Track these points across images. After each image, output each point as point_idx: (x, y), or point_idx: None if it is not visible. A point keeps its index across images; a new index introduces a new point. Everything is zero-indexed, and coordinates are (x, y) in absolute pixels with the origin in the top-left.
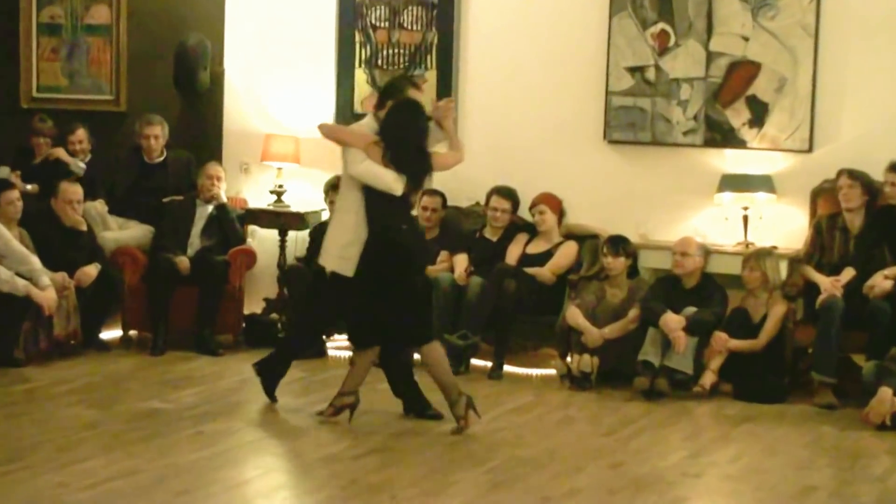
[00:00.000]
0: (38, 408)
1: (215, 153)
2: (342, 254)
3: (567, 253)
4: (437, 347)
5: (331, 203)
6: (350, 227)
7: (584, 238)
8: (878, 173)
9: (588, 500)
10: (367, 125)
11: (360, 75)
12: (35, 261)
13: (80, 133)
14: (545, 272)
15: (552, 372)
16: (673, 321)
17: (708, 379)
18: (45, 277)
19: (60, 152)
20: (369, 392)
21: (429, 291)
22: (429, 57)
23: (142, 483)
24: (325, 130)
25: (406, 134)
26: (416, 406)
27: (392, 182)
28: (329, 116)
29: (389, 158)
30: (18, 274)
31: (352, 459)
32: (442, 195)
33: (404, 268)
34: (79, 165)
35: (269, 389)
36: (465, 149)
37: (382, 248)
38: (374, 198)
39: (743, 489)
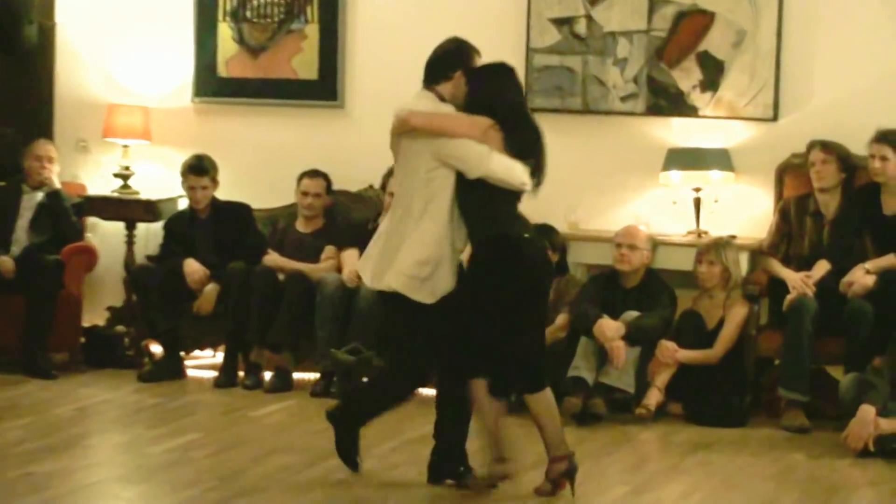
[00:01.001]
0: None
1: (45, 128)
2: (415, 272)
3: None
4: (549, 393)
5: (390, 195)
6: (429, 241)
7: None
8: (857, 146)
9: None
10: (434, 103)
11: (225, 31)
12: None
13: None
14: None
15: None
16: (610, 328)
17: (653, 398)
18: None
19: None
20: (239, 421)
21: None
22: (309, 8)
23: None
24: (418, 120)
25: (519, 108)
26: (452, 456)
27: (523, 175)
28: (186, 82)
29: (507, 144)
30: None
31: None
32: (325, 177)
33: (529, 289)
34: None
35: (348, 451)
36: None
37: (501, 263)
38: (480, 198)
39: None
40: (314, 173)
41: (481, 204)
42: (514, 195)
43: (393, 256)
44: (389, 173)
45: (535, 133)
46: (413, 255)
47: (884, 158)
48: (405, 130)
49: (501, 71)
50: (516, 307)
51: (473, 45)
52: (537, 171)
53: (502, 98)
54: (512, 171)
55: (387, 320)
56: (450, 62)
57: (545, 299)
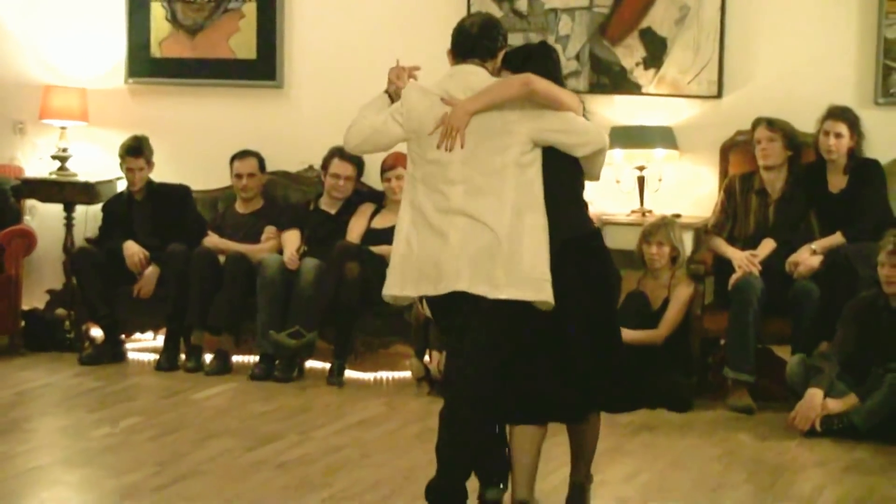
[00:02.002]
0: None
1: None
2: (544, 274)
3: None
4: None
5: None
6: (545, 238)
7: None
8: (802, 123)
9: None
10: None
11: (158, 10)
12: None
13: None
14: None
15: (407, 374)
16: None
17: None
18: None
19: None
20: (180, 404)
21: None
22: None
23: None
24: (541, 85)
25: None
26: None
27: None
28: (120, 63)
29: None
30: None
31: (156, 490)
32: (257, 156)
33: (613, 291)
34: None
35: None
36: None
37: (605, 262)
38: (562, 187)
39: None
40: (244, 154)
41: (559, 196)
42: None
43: (498, 257)
44: (333, 153)
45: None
46: (541, 255)
47: (838, 135)
48: (519, 97)
49: (551, 50)
50: (614, 311)
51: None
52: None
53: (557, 80)
54: (606, 152)
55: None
56: (498, 37)
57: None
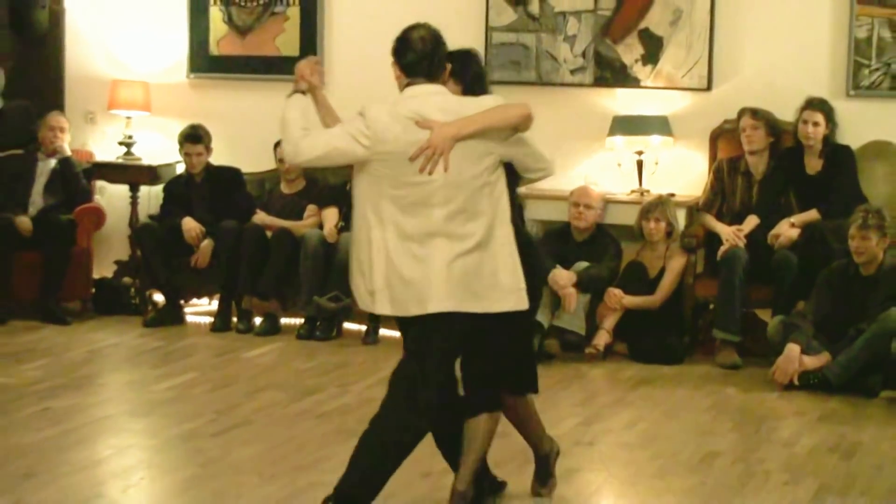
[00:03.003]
0: None
1: (57, 102)
2: (520, 283)
3: None
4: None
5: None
6: (512, 246)
7: None
8: (783, 112)
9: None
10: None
11: (216, 13)
12: None
13: None
14: None
15: None
16: (563, 277)
17: (601, 339)
18: None
19: None
20: (233, 361)
21: None
22: None
23: None
24: (473, 126)
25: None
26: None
27: None
28: (181, 60)
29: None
30: None
31: (213, 436)
32: None
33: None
34: None
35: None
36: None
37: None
38: (512, 193)
39: (640, 457)
40: None
41: (513, 204)
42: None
43: (482, 273)
44: None
45: None
46: (516, 265)
47: (816, 124)
48: (515, 126)
49: (478, 55)
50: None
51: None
52: None
53: (485, 80)
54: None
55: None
56: (444, 48)
57: None
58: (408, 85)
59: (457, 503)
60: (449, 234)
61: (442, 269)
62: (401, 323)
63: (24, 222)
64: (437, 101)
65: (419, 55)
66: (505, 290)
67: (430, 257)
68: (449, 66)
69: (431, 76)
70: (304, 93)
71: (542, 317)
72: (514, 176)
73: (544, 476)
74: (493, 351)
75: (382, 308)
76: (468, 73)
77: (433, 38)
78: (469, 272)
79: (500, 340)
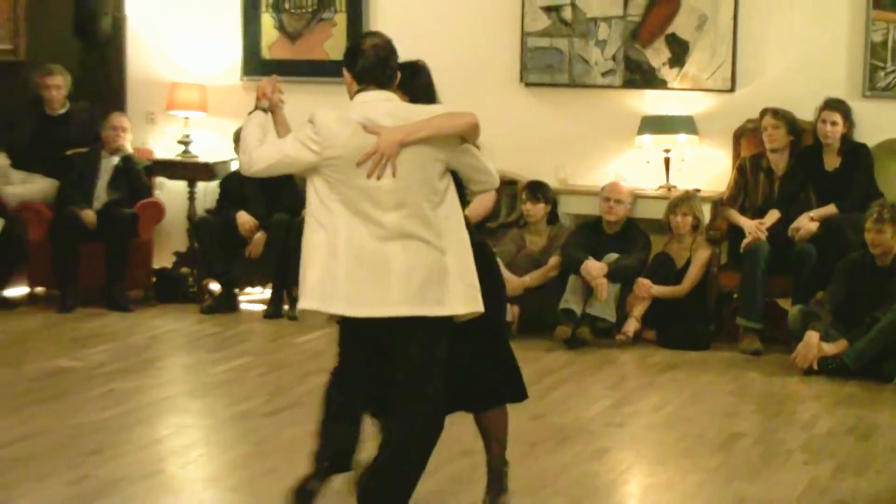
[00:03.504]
0: None
1: (119, 103)
2: (475, 286)
3: (484, 199)
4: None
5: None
6: (468, 250)
7: (501, 184)
8: (802, 112)
9: (508, 453)
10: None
11: (267, 20)
12: None
13: None
14: None
15: None
16: (594, 268)
17: (631, 326)
18: None
19: None
20: (284, 346)
21: None
22: (338, 0)
23: (51, 443)
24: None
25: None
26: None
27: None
28: (235, 63)
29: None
30: None
31: (266, 416)
32: None
33: (501, 296)
34: None
35: None
36: None
37: (487, 269)
38: (462, 200)
39: (667, 438)
40: None
41: (461, 209)
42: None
43: (440, 277)
44: None
45: None
46: (471, 269)
47: (833, 123)
48: (461, 134)
49: (426, 66)
50: (504, 312)
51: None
52: None
53: (434, 91)
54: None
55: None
56: (395, 62)
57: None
58: (358, 91)
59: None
60: (403, 238)
61: (398, 274)
62: (347, 323)
63: (89, 216)
64: (386, 107)
65: (371, 63)
66: (459, 294)
67: (386, 261)
68: (399, 75)
69: (382, 84)
70: (265, 110)
71: (575, 305)
72: (460, 186)
73: (498, 489)
74: (459, 357)
75: (335, 308)
76: (417, 83)
77: (385, 47)
78: (427, 276)
79: (463, 346)
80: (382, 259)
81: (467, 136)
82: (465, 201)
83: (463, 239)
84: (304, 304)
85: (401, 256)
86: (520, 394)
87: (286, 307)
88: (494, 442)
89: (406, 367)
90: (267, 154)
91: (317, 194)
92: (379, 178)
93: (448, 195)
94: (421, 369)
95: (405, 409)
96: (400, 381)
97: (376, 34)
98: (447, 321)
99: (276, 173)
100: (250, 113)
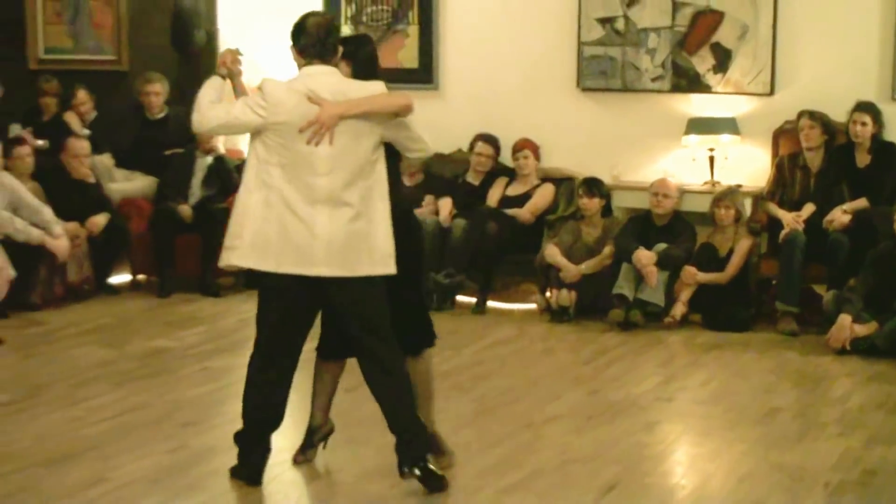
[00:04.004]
0: (53, 348)
1: None
2: (391, 250)
3: (545, 194)
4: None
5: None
6: (388, 218)
7: (560, 180)
8: (836, 114)
9: (567, 425)
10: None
11: (347, 32)
12: (48, 211)
13: (82, 95)
14: (524, 213)
15: (533, 306)
16: (645, 257)
17: (678, 310)
18: (58, 227)
19: (71, 118)
20: None
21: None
22: (411, 13)
23: (151, 416)
24: (411, 103)
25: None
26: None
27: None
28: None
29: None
30: (33, 224)
31: (345, 391)
32: None
33: (422, 253)
34: (83, 132)
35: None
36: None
37: (411, 233)
38: (394, 173)
39: (713, 412)
40: None
41: (395, 179)
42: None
43: (358, 240)
44: (478, 138)
45: None
46: (390, 235)
47: (864, 124)
48: (394, 113)
49: (371, 40)
50: (421, 270)
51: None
52: None
53: (377, 62)
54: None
55: (378, 305)
56: (336, 34)
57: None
58: (304, 65)
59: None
60: (331, 203)
61: (324, 235)
62: (271, 279)
63: (185, 210)
64: (328, 80)
65: (312, 39)
66: (378, 256)
67: (314, 223)
68: (341, 49)
69: (324, 58)
70: (223, 77)
71: (628, 290)
72: (395, 157)
73: (307, 444)
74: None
75: (266, 265)
76: (361, 55)
77: (326, 25)
78: (350, 241)
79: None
80: (309, 223)
81: (401, 113)
82: (396, 169)
83: (384, 208)
84: (239, 261)
85: (326, 222)
86: (430, 340)
87: None
88: (420, 397)
89: (352, 322)
90: (217, 114)
91: (256, 157)
92: (317, 144)
93: (377, 166)
94: (364, 320)
95: (371, 356)
96: (354, 335)
97: (318, 13)
98: (372, 278)
99: (224, 133)
100: (208, 79)
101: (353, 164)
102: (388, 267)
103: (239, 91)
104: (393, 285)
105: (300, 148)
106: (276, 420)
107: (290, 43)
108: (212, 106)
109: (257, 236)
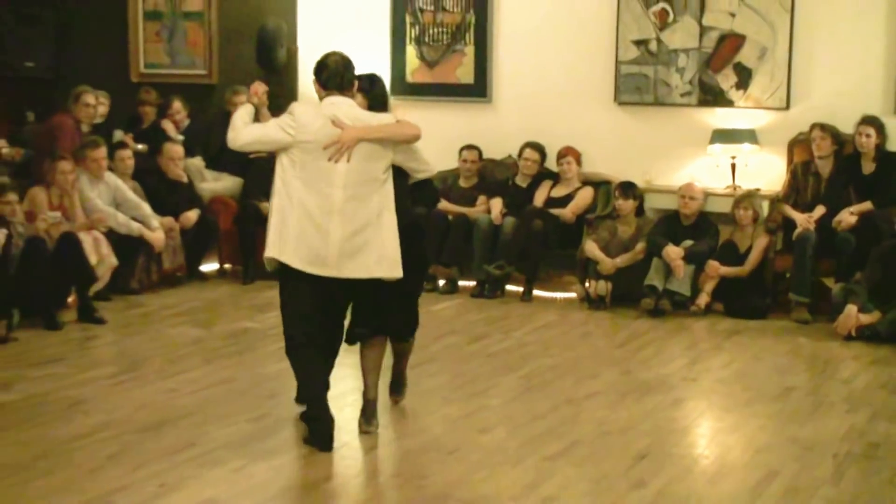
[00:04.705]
0: (150, 328)
1: None
2: (398, 255)
3: (585, 196)
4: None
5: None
6: (394, 228)
7: (598, 184)
8: (844, 126)
9: (603, 401)
10: (359, 106)
11: (411, 51)
12: (146, 207)
13: (177, 105)
14: (567, 213)
15: (573, 295)
16: (674, 252)
17: (703, 299)
18: (155, 221)
19: (167, 125)
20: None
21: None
22: (467, 35)
23: (236, 389)
24: (419, 133)
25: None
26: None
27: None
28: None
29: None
30: (133, 218)
31: (409, 368)
32: (478, 149)
33: (425, 264)
34: (178, 138)
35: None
36: None
37: (418, 241)
38: (399, 192)
39: (733, 390)
40: (470, 147)
41: (402, 196)
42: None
43: (368, 247)
44: (526, 146)
45: None
46: (396, 242)
47: (868, 136)
48: (404, 141)
49: (381, 78)
50: (423, 274)
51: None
52: None
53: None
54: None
55: (381, 302)
56: (351, 74)
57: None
58: (326, 95)
59: (370, 408)
60: (342, 214)
61: (337, 243)
62: (290, 272)
63: (266, 207)
64: (347, 110)
65: (333, 73)
66: (389, 261)
67: (328, 230)
68: (356, 84)
69: (342, 90)
70: (254, 105)
71: (658, 282)
72: (403, 177)
73: (399, 387)
74: (376, 304)
75: (288, 260)
76: (375, 91)
77: (344, 62)
78: (359, 246)
79: (381, 297)
80: (324, 230)
81: (410, 141)
82: (405, 188)
83: (391, 219)
84: (276, 255)
85: (338, 230)
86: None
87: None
88: (403, 358)
89: (366, 311)
90: (251, 132)
91: (282, 170)
92: (336, 161)
93: (386, 185)
94: (376, 309)
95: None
96: (372, 321)
97: (336, 53)
98: (377, 280)
99: (257, 148)
100: (242, 105)
101: (365, 181)
102: (395, 271)
103: (263, 118)
104: (395, 285)
105: (321, 164)
106: (322, 391)
107: (314, 77)
108: (246, 125)
109: (281, 235)
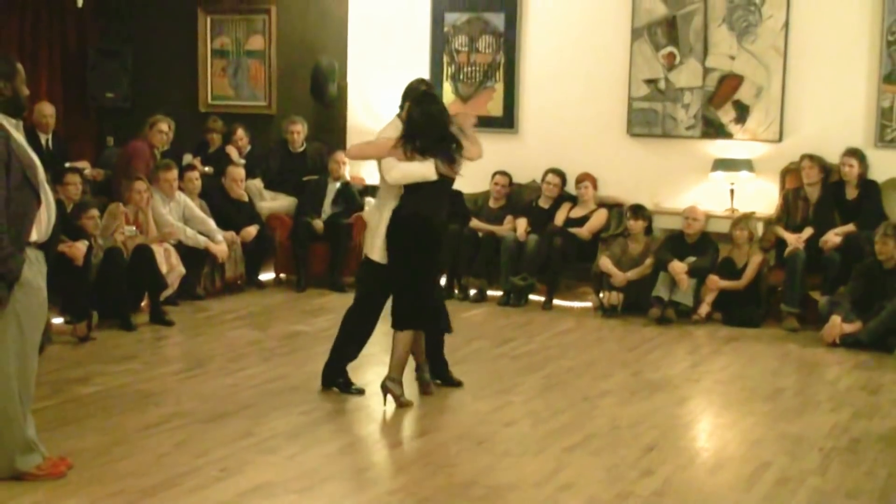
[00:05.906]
0: (214, 330)
1: (341, 144)
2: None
3: (600, 217)
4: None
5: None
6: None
7: (612, 206)
8: (831, 157)
9: (616, 399)
10: (395, 127)
11: (448, 87)
12: (211, 223)
13: (240, 132)
14: (584, 231)
15: (589, 304)
16: (678, 267)
17: (704, 309)
18: (219, 235)
19: (231, 150)
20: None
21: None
22: (497, 73)
23: (290, 385)
24: (352, 153)
25: (428, 121)
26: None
27: (424, 170)
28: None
29: (417, 148)
30: (199, 232)
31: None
32: (509, 175)
33: (428, 250)
34: (240, 162)
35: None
36: (482, 148)
37: (411, 233)
38: (412, 188)
39: (730, 390)
40: (502, 173)
41: (410, 193)
42: (438, 182)
43: (378, 235)
44: (549, 171)
45: (441, 136)
46: (381, 232)
47: (851, 165)
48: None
49: (420, 99)
50: (420, 262)
51: (424, 81)
52: (445, 161)
53: (416, 117)
54: (412, 172)
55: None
56: (405, 97)
57: (434, 256)
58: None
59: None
60: (369, 208)
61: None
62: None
63: (318, 224)
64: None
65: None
66: (374, 247)
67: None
68: (401, 106)
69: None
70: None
71: (664, 293)
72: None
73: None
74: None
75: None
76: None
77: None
78: (370, 233)
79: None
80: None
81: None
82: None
83: (385, 216)
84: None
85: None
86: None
87: (455, 291)
88: (394, 349)
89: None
90: (409, 174)
91: (387, 187)
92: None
93: (384, 184)
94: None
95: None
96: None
97: (424, 80)
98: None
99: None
100: (420, 162)
101: (380, 185)
102: (383, 257)
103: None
104: (391, 274)
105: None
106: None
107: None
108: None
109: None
